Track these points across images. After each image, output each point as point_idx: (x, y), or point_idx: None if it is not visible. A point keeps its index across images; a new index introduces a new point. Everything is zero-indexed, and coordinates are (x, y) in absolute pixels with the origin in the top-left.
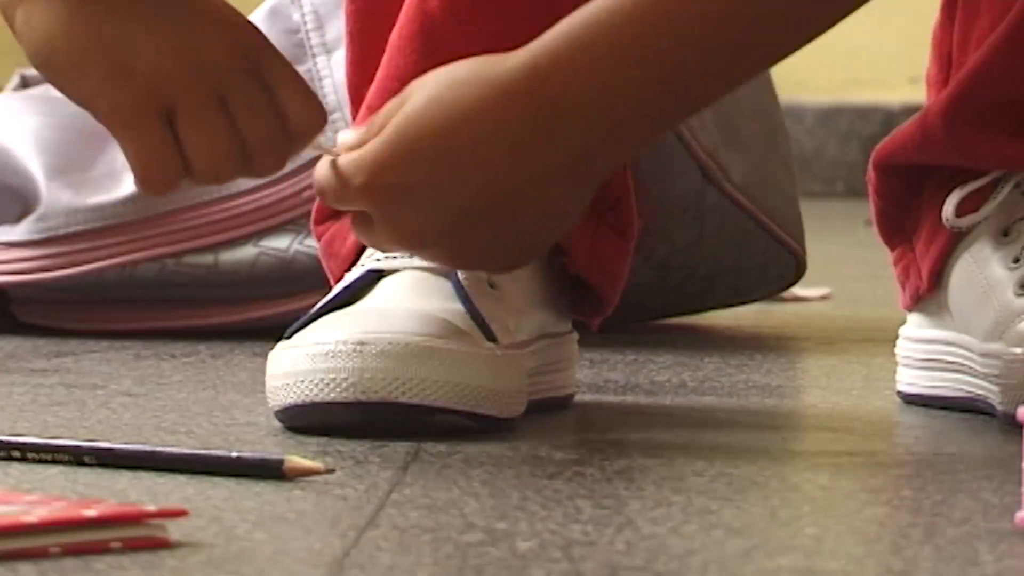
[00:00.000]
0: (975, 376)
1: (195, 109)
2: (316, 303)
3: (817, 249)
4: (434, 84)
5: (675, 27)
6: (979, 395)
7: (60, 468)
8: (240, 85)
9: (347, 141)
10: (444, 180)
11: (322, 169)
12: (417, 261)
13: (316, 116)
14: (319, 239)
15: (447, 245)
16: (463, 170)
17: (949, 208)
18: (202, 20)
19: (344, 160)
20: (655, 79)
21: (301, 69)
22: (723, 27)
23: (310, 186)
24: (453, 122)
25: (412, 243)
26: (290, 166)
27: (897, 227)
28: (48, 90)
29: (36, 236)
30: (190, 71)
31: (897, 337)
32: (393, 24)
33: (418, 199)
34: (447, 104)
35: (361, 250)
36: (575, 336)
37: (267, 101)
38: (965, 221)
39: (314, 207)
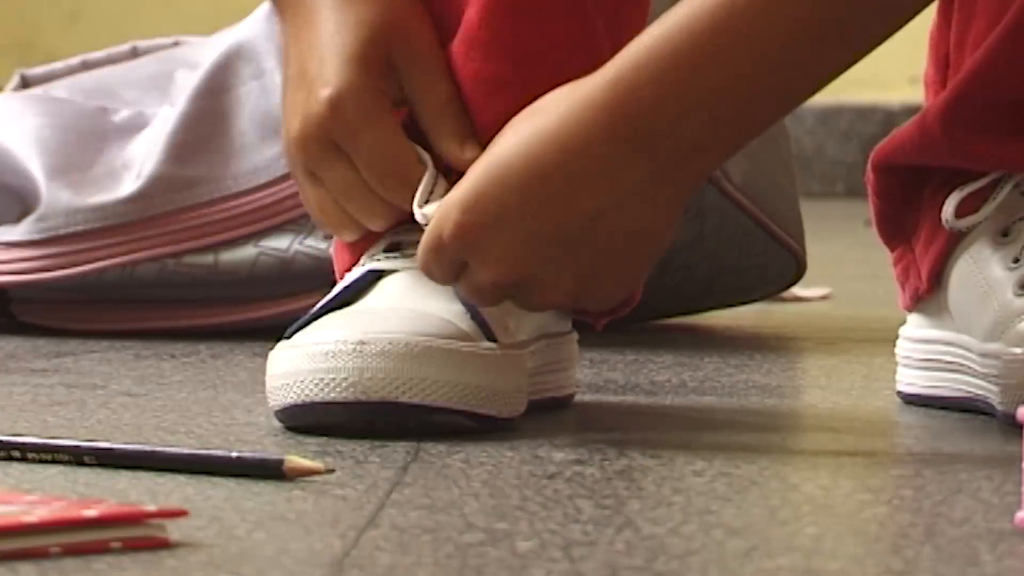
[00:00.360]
0: (975, 376)
1: (298, 178)
2: (316, 303)
3: (817, 249)
4: (516, 119)
5: (754, 31)
6: (979, 395)
7: (60, 468)
8: (319, 162)
9: (435, 210)
10: (537, 205)
11: (422, 240)
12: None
13: (394, 190)
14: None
15: (550, 277)
16: (555, 193)
17: (948, 209)
18: (299, 100)
19: (439, 207)
20: (738, 83)
21: None
22: (802, 29)
23: None
24: (539, 147)
25: (514, 277)
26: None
27: (897, 228)
28: (48, 90)
29: (36, 236)
30: (290, 149)
31: (897, 337)
32: None
33: (513, 229)
34: (531, 131)
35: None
36: (575, 336)
37: (346, 172)
38: (964, 222)
39: None
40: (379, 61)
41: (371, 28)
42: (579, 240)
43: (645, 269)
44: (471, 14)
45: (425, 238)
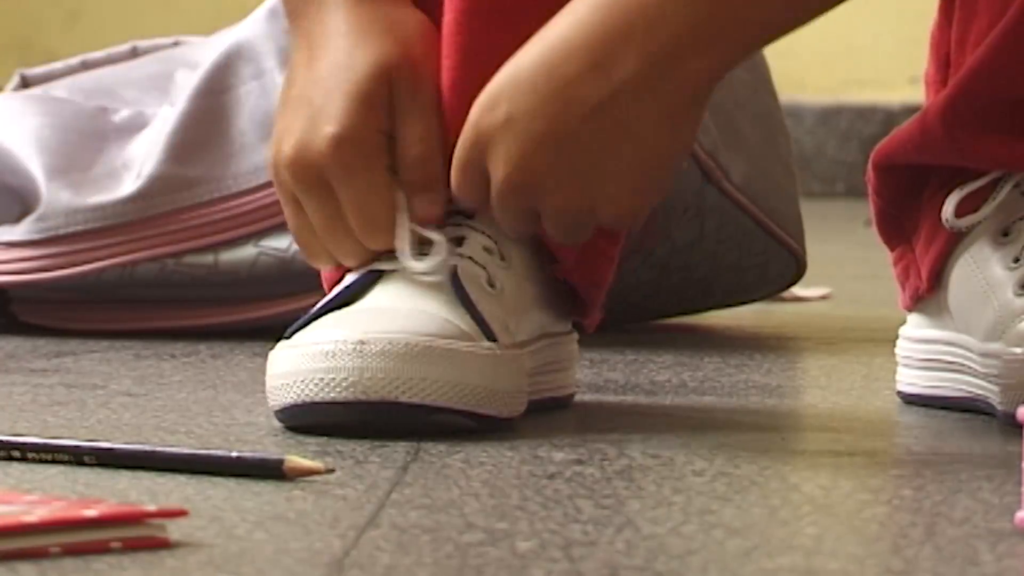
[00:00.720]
0: (975, 376)
1: (281, 198)
2: (316, 303)
3: (817, 249)
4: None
5: None
6: (979, 395)
7: (60, 468)
8: (306, 191)
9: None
10: (541, 103)
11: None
12: (417, 262)
13: (373, 238)
14: None
15: (558, 177)
16: (558, 89)
17: (949, 208)
18: (297, 127)
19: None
20: None
21: None
22: None
23: None
24: (548, 46)
25: (525, 178)
26: None
27: (897, 227)
28: (48, 90)
29: (36, 236)
30: (279, 172)
31: (897, 337)
32: None
33: (521, 127)
34: (544, 35)
35: None
36: (575, 336)
37: (329, 208)
38: (965, 221)
39: None
40: (383, 101)
41: (381, 68)
42: (578, 137)
43: (655, 179)
44: (449, 18)
45: (454, 156)
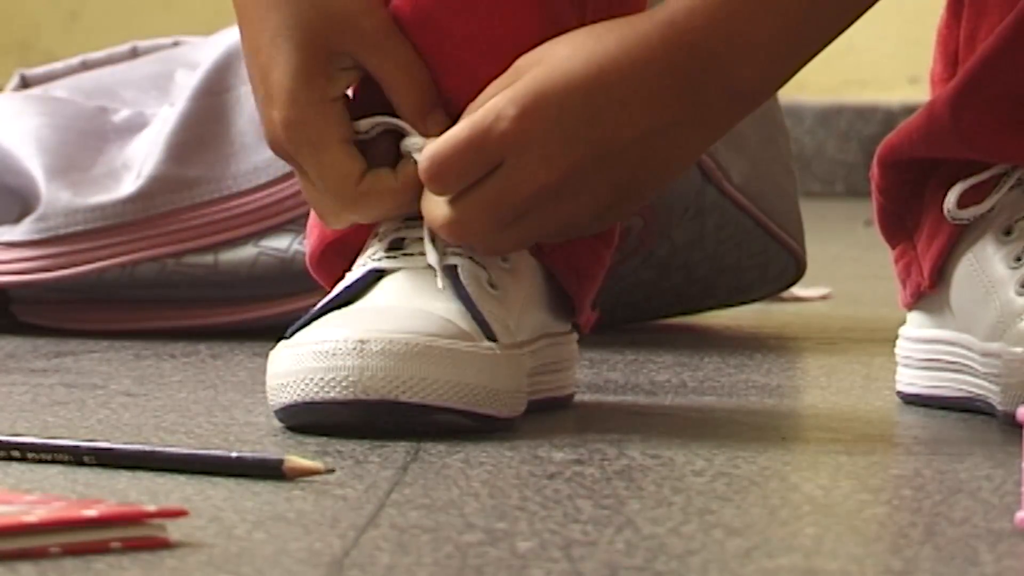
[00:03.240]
0: (975, 376)
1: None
2: (316, 303)
3: (817, 249)
4: (572, 38)
5: None
6: (979, 395)
7: (60, 468)
8: (290, 164)
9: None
10: (596, 113)
11: (444, 143)
12: (419, 260)
13: (346, 210)
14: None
15: (581, 187)
16: (612, 106)
17: (951, 199)
18: (261, 112)
19: (486, 106)
20: (785, 33)
21: None
22: None
23: None
24: (602, 62)
25: (553, 182)
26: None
27: (899, 224)
28: (48, 90)
29: (36, 236)
30: (269, 138)
31: (897, 337)
32: None
33: (569, 132)
34: (593, 49)
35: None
36: (575, 336)
37: (304, 179)
38: (967, 213)
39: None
40: (323, 60)
41: (310, 27)
42: (620, 156)
43: (644, 202)
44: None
45: (460, 135)
